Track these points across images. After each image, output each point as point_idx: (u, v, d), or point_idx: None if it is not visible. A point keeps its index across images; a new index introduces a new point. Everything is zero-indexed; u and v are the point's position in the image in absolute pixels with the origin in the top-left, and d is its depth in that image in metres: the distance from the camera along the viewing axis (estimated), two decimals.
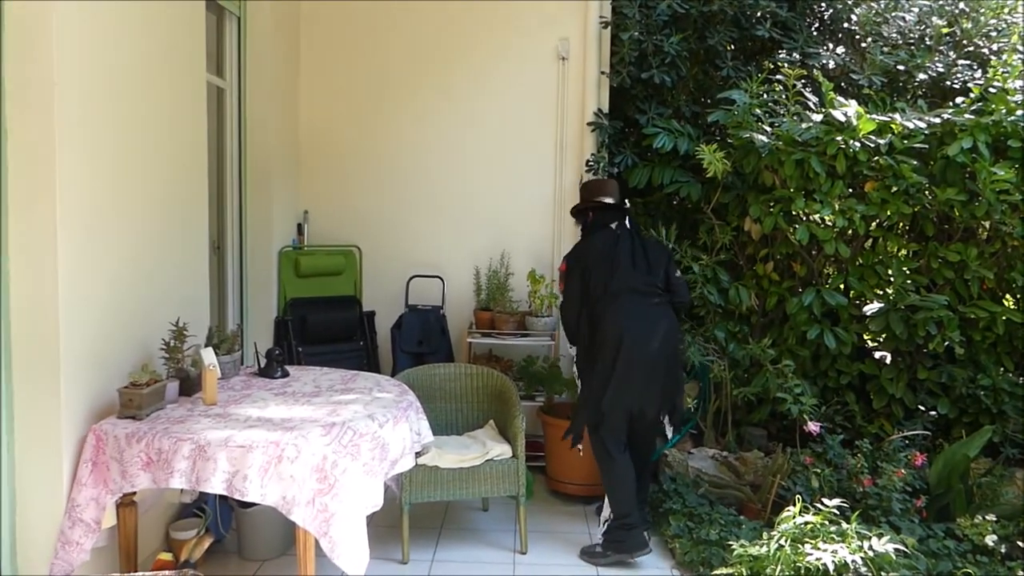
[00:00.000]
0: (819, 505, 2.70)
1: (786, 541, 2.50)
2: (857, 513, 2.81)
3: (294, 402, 3.09)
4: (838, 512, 2.64)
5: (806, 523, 2.55)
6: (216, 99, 4.34)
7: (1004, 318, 4.12)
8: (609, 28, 4.93)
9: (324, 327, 4.89)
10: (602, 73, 4.98)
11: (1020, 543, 3.03)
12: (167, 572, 2.05)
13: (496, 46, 5.13)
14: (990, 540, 3.26)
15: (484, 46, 5.14)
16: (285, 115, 5.02)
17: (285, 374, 3.56)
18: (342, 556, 2.57)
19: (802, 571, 2.38)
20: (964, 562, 3.09)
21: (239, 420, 2.81)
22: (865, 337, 4.53)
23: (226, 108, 4.45)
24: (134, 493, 2.85)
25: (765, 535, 2.75)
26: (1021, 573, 2.99)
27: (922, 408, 4.30)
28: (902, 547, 2.59)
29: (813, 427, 3.89)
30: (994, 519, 3.40)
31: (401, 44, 5.16)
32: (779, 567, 2.43)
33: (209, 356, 3.12)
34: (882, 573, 2.34)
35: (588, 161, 4.97)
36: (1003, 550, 3.24)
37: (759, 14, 4.79)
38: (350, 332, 4.99)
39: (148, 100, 3.21)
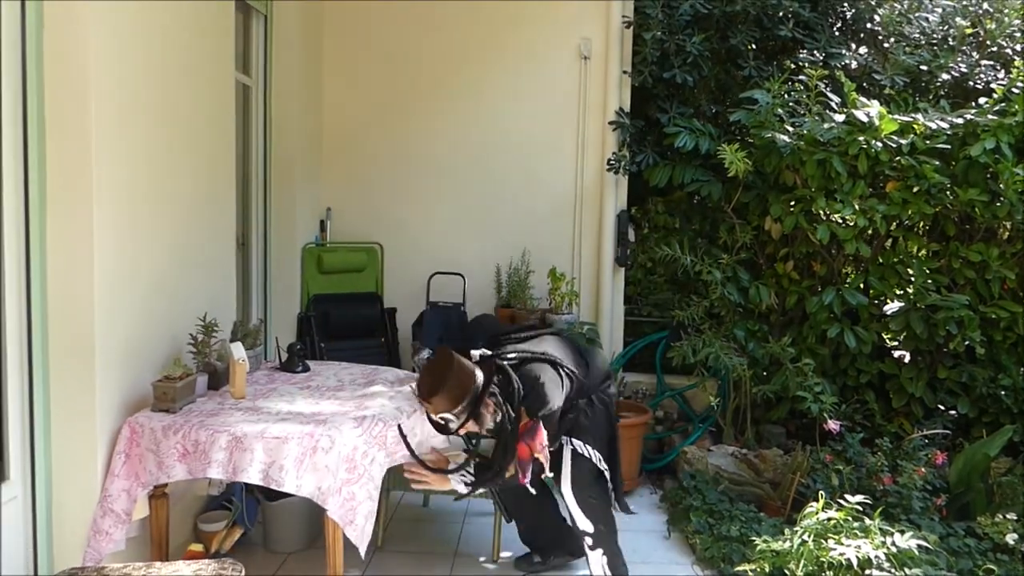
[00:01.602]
0: (841, 502, 2.73)
1: (809, 536, 2.53)
2: (880, 510, 2.84)
3: (320, 396, 3.15)
4: (861, 509, 2.66)
5: (829, 519, 2.58)
6: (242, 97, 4.40)
7: None
8: (631, 28, 4.96)
9: (346, 323, 4.95)
10: (624, 72, 5.01)
11: None
12: (206, 560, 2.10)
13: (519, 45, 5.17)
14: (1010, 539, 3.27)
15: (507, 45, 5.17)
16: (309, 113, 5.08)
17: (306, 368, 3.62)
18: (362, 539, 2.64)
19: (825, 566, 2.41)
20: (984, 560, 3.10)
21: (271, 413, 2.86)
22: (885, 336, 4.54)
23: (252, 106, 4.51)
24: (166, 485, 2.91)
25: (787, 531, 2.78)
26: None
27: (942, 407, 4.31)
28: (925, 543, 2.62)
29: (833, 425, 3.91)
30: (1014, 518, 3.41)
31: (423, 43, 5.21)
32: (802, 562, 2.46)
33: (239, 351, 3.17)
34: (905, 569, 2.36)
35: (609, 160, 5.00)
36: (1023, 549, 3.25)
37: (781, 14, 4.80)
38: (372, 328, 5.05)
39: (180, 99, 3.27)
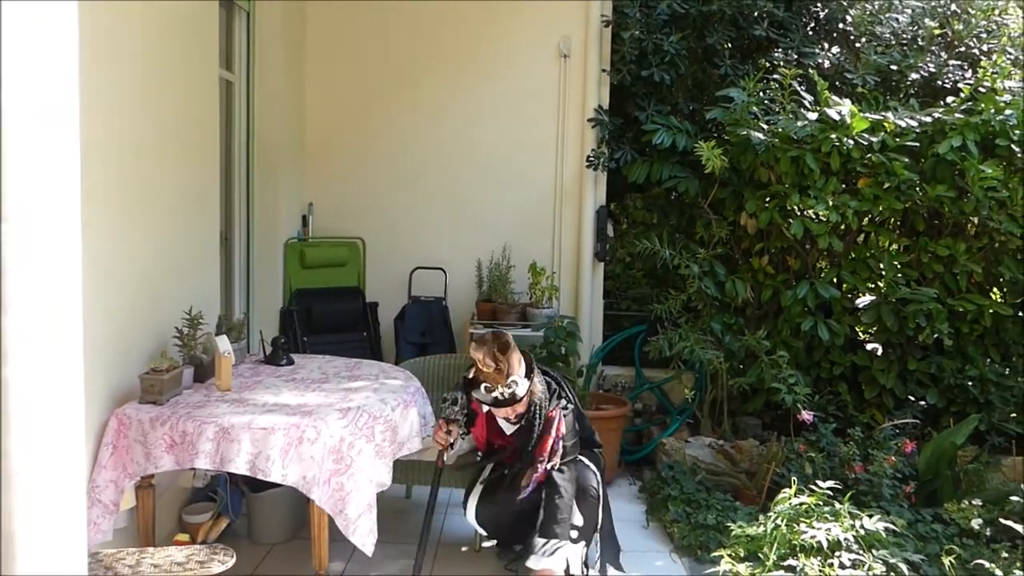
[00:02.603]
0: (813, 488, 2.82)
1: (782, 521, 2.62)
2: (850, 495, 2.94)
3: (305, 388, 3.20)
4: (831, 494, 2.76)
5: (801, 504, 2.67)
6: (225, 93, 4.42)
7: (991, 311, 4.26)
8: (610, 27, 5.04)
9: (329, 317, 4.99)
10: (603, 71, 5.09)
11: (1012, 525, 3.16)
12: (197, 546, 2.15)
13: (500, 43, 5.23)
14: (976, 524, 3.39)
15: (488, 43, 5.23)
16: (291, 109, 5.11)
17: (290, 362, 3.66)
18: (356, 533, 2.68)
19: (797, 549, 2.50)
20: (951, 544, 3.21)
21: (257, 405, 2.91)
22: (857, 329, 4.66)
23: (235, 102, 4.53)
24: (152, 476, 2.95)
25: (762, 517, 2.87)
26: (1005, 555, 3.11)
27: (912, 398, 4.44)
28: (892, 527, 2.72)
29: (806, 416, 4.02)
30: (980, 504, 3.53)
31: (405, 41, 5.25)
32: (775, 546, 2.55)
33: (224, 344, 3.21)
34: (872, 551, 2.46)
35: (589, 156, 5.08)
36: (988, 533, 3.37)
37: (756, 14, 4.90)
38: (354, 322, 5.09)
39: (166, 96, 3.30)
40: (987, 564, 2.59)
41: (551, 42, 5.18)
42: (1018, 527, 2.73)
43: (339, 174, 5.34)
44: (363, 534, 2.69)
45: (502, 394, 2.91)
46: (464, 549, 3.61)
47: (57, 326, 0.73)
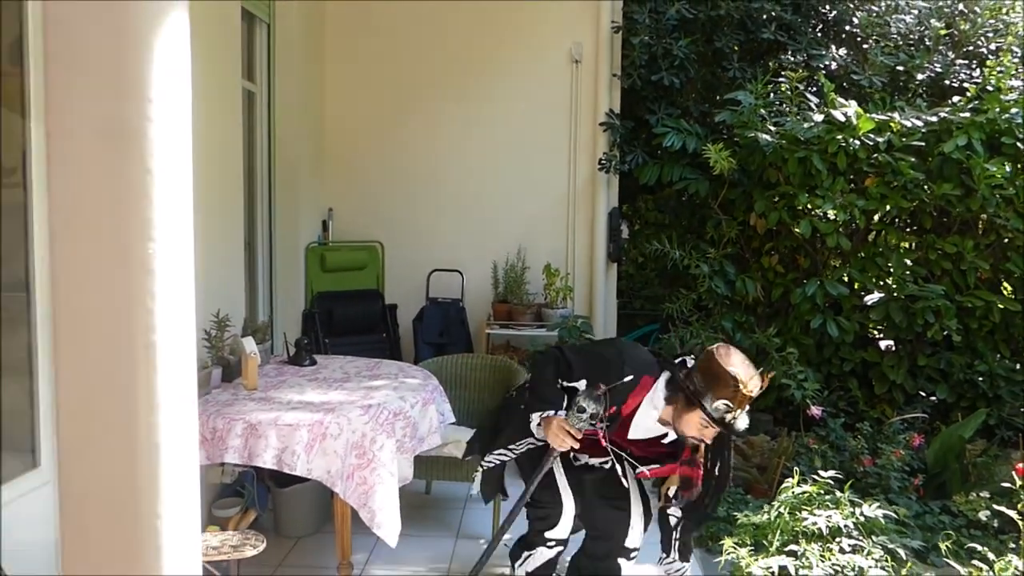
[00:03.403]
0: (815, 477, 2.92)
1: (785, 509, 2.72)
2: (850, 483, 3.03)
3: (328, 387, 3.33)
4: (833, 483, 2.85)
5: (803, 492, 2.76)
6: (247, 103, 4.58)
7: (1000, 307, 4.32)
8: (620, 32, 5.14)
9: (349, 319, 5.14)
10: (614, 75, 5.20)
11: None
12: (230, 532, 2.28)
13: (513, 50, 5.36)
14: (983, 515, 3.46)
15: (502, 50, 5.36)
16: (311, 117, 5.26)
17: (313, 362, 3.80)
18: (381, 526, 2.80)
19: (799, 535, 2.60)
20: (959, 536, 3.29)
21: (282, 403, 3.05)
22: (867, 326, 4.73)
23: (256, 111, 4.69)
24: None
25: (767, 507, 2.97)
26: (1012, 545, 3.18)
27: (922, 393, 4.50)
28: (892, 514, 2.81)
29: (816, 411, 4.10)
30: (988, 496, 3.60)
31: (421, 49, 5.39)
32: (778, 532, 2.65)
33: (251, 345, 3.36)
34: (872, 536, 2.55)
35: (601, 159, 5.19)
36: (995, 524, 3.44)
37: (764, 17, 4.99)
38: (373, 324, 5.23)
39: (195, 108, 3.44)
40: (980, 548, 2.68)
41: (563, 48, 5.29)
42: (1012, 513, 2.80)
43: (358, 180, 5.49)
44: (386, 526, 2.82)
45: (733, 418, 2.54)
46: (482, 542, 3.74)
47: (180, 312, 0.87)
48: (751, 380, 2.53)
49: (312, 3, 5.20)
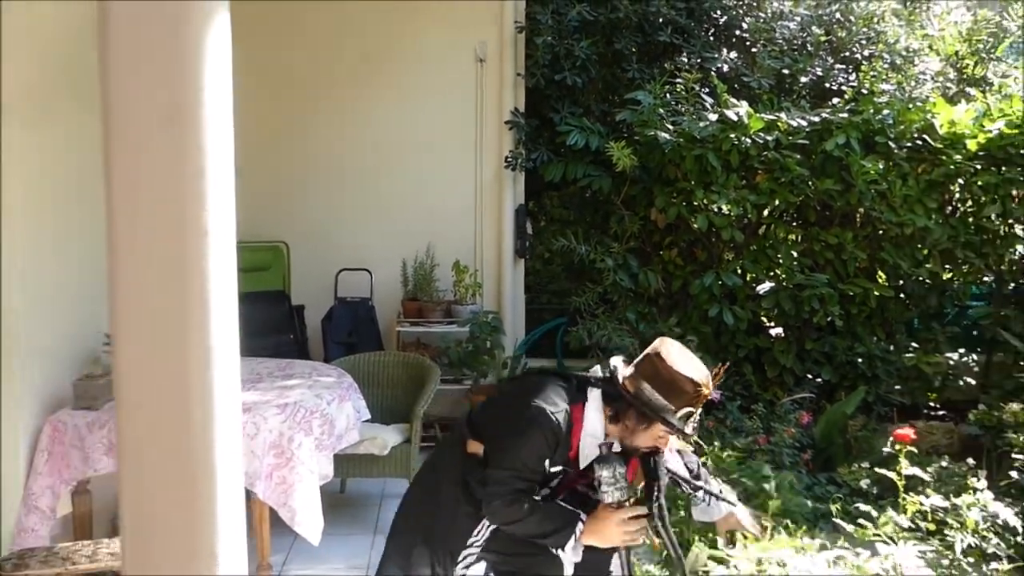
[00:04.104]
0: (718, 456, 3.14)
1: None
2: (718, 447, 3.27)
3: (240, 388, 3.28)
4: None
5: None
6: None
7: (876, 294, 4.67)
8: (524, 32, 5.25)
9: (254, 321, 5.00)
10: (518, 74, 5.30)
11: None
12: None
13: (418, 48, 5.38)
14: (864, 483, 3.76)
15: (406, 48, 5.37)
16: None
17: None
18: (301, 524, 2.80)
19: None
20: (844, 503, 3.57)
21: None
22: (759, 314, 5.01)
23: None
24: (88, 481, 3.00)
25: None
26: (891, 511, 3.47)
27: (809, 375, 4.81)
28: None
29: (715, 395, 4.33)
30: (867, 466, 3.91)
31: (325, 46, 5.34)
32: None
33: None
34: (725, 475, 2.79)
35: (507, 157, 5.29)
36: (875, 491, 3.74)
37: (660, 20, 5.20)
38: (280, 326, 5.15)
39: (95, 105, 3.32)
40: (863, 507, 2.96)
41: (467, 46, 5.36)
42: (892, 475, 3.09)
43: (260, 180, 5.36)
44: (308, 524, 2.82)
45: (695, 422, 2.32)
46: None
47: (227, 270, 0.92)
48: (708, 379, 2.30)
49: None
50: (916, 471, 3.00)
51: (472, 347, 4.79)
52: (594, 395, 2.37)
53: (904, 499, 2.88)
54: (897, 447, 2.98)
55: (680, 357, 2.30)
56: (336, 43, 5.34)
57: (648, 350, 2.34)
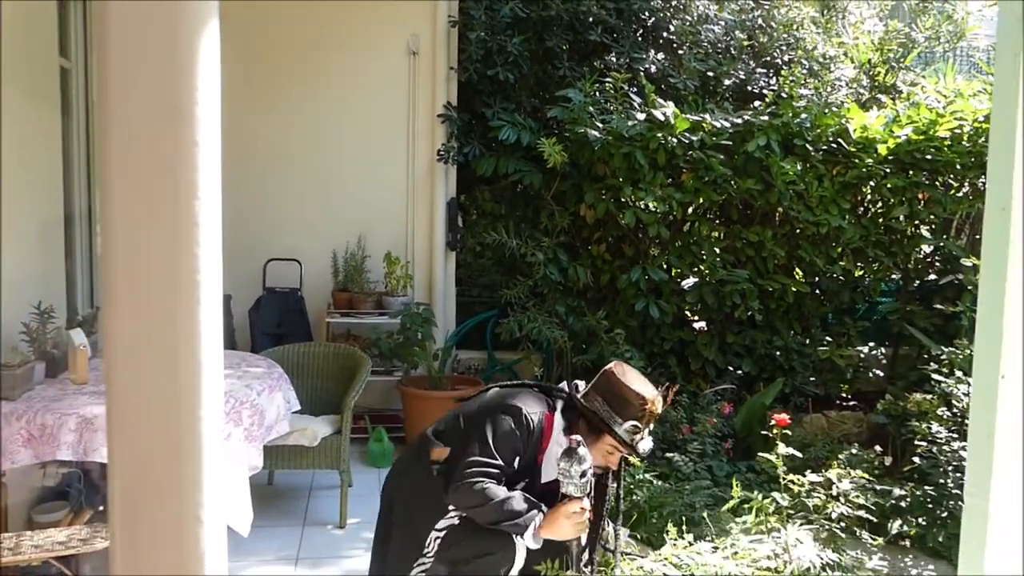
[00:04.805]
0: None
1: None
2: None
3: None
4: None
5: None
6: (63, 80, 4.27)
7: (794, 289, 4.89)
8: (457, 27, 5.27)
9: None
10: (451, 68, 5.32)
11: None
12: (77, 526, 2.19)
13: (349, 39, 5.34)
14: (780, 471, 3.93)
15: (338, 39, 5.32)
16: None
17: None
18: (231, 516, 2.77)
19: None
20: (761, 489, 3.73)
21: None
22: (683, 308, 5.18)
23: (72, 89, 4.38)
24: (3, 474, 2.89)
25: None
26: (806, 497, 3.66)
27: (731, 368, 5.00)
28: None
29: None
30: (784, 455, 4.09)
31: (257, 36, 5.23)
32: None
33: (79, 337, 3.17)
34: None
35: (439, 151, 5.30)
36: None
37: (591, 20, 5.30)
38: None
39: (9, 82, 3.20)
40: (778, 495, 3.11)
41: (400, 39, 5.34)
42: (799, 454, 3.27)
43: None
44: (238, 516, 2.79)
45: (640, 439, 2.42)
46: (330, 527, 3.76)
47: (214, 256, 0.96)
48: (656, 397, 2.43)
49: None
50: (792, 451, 3.18)
51: (403, 339, 4.79)
52: (559, 406, 2.52)
53: (784, 479, 3.07)
54: (775, 431, 3.16)
55: (631, 375, 2.46)
56: (268, 34, 5.25)
57: (604, 368, 2.49)
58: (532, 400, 2.48)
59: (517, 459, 2.39)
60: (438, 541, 2.41)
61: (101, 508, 3.49)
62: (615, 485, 2.60)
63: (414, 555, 2.42)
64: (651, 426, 2.45)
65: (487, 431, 2.37)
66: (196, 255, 0.89)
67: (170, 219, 0.86)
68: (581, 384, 2.53)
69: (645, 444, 2.44)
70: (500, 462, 2.34)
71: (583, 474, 2.23)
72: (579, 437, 2.29)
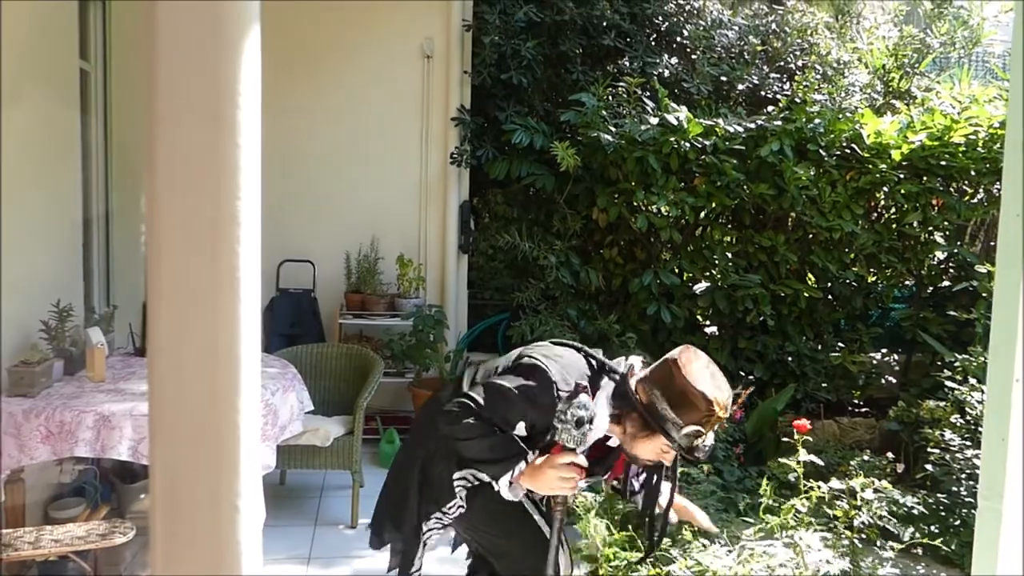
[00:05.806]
0: None
1: None
2: None
3: None
4: None
5: None
6: (82, 82, 4.32)
7: (806, 295, 4.88)
8: (471, 31, 5.30)
9: None
10: (464, 72, 5.35)
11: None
12: (96, 521, 2.22)
13: (364, 43, 5.37)
14: (792, 477, 3.93)
15: (352, 43, 5.36)
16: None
17: None
18: None
19: None
20: (775, 495, 3.73)
21: (136, 393, 2.96)
22: (695, 312, 5.18)
23: (91, 91, 4.43)
24: (22, 470, 2.93)
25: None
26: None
27: (742, 372, 5.00)
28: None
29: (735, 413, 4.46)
30: (796, 461, 4.09)
31: (273, 39, 5.26)
32: None
33: (97, 335, 3.22)
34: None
35: (452, 154, 5.33)
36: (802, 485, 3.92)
37: (604, 24, 5.32)
38: None
39: (21, 83, 3.25)
40: (790, 502, 3.11)
41: (415, 43, 5.38)
42: (818, 460, 3.26)
43: None
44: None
45: (703, 443, 2.06)
46: (341, 527, 3.79)
47: (253, 252, 0.98)
48: (726, 400, 2.08)
49: None
50: (813, 458, 3.14)
51: (415, 340, 4.82)
52: (607, 386, 2.15)
53: (804, 486, 3.05)
54: (796, 437, 3.14)
55: (699, 369, 2.09)
56: (285, 38, 5.29)
57: (668, 355, 2.12)
58: (569, 370, 2.13)
59: (522, 423, 2.13)
60: (459, 509, 2.22)
61: (112, 509, 3.55)
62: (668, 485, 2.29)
63: (438, 502, 2.23)
64: (717, 428, 2.10)
65: (505, 379, 2.13)
66: (237, 253, 0.92)
67: (212, 220, 0.89)
68: (638, 364, 2.18)
69: (707, 444, 2.07)
70: (500, 412, 2.09)
71: (580, 423, 1.96)
72: (586, 384, 2.05)
